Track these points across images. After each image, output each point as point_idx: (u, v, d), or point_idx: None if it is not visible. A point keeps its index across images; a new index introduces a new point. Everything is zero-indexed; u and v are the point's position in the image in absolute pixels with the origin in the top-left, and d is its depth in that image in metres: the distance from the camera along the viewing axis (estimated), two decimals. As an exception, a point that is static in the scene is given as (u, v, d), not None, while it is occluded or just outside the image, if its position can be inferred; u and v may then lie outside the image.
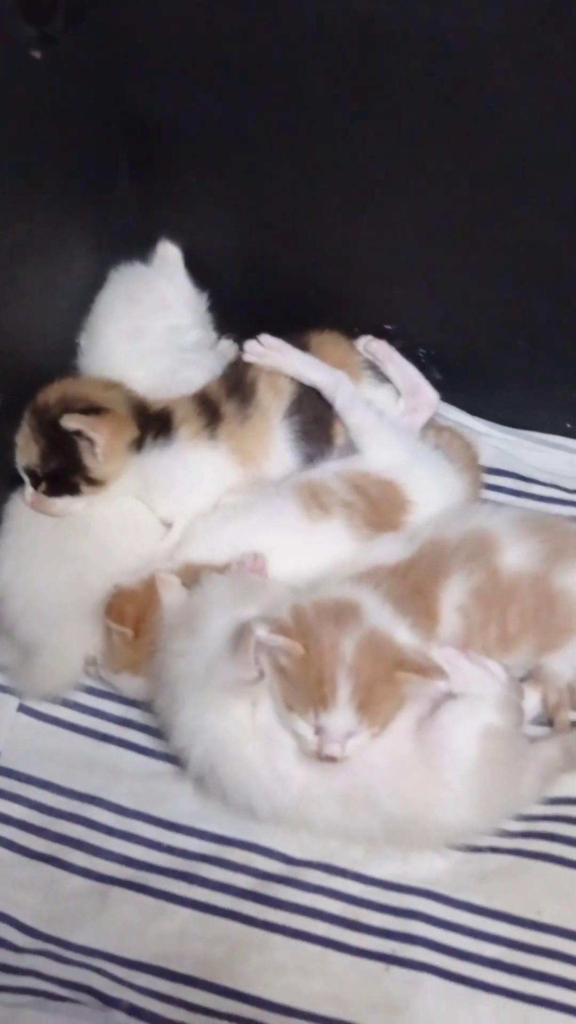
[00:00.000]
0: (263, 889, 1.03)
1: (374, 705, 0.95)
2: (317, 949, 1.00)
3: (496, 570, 1.06)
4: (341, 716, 0.95)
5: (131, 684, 1.10)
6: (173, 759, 1.09)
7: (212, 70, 1.08)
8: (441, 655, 1.03)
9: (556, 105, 0.99)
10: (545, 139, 1.02)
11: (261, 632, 0.95)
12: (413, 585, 1.05)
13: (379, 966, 0.98)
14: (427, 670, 0.97)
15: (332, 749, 0.95)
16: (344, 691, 0.95)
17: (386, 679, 0.96)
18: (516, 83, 0.99)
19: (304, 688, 0.96)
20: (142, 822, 1.08)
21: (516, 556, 1.07)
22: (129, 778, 1.11)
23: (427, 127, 1.05)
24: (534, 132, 1.02)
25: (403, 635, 1.00)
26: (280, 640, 0.96)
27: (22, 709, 1.16)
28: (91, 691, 1.16)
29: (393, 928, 1.00)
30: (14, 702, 1.15)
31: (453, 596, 1.06)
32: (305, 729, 0.97)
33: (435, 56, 0.99)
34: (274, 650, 0.97)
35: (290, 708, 0.97)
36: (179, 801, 1.08)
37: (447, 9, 0.95)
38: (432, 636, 1.03)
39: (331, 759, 0.95)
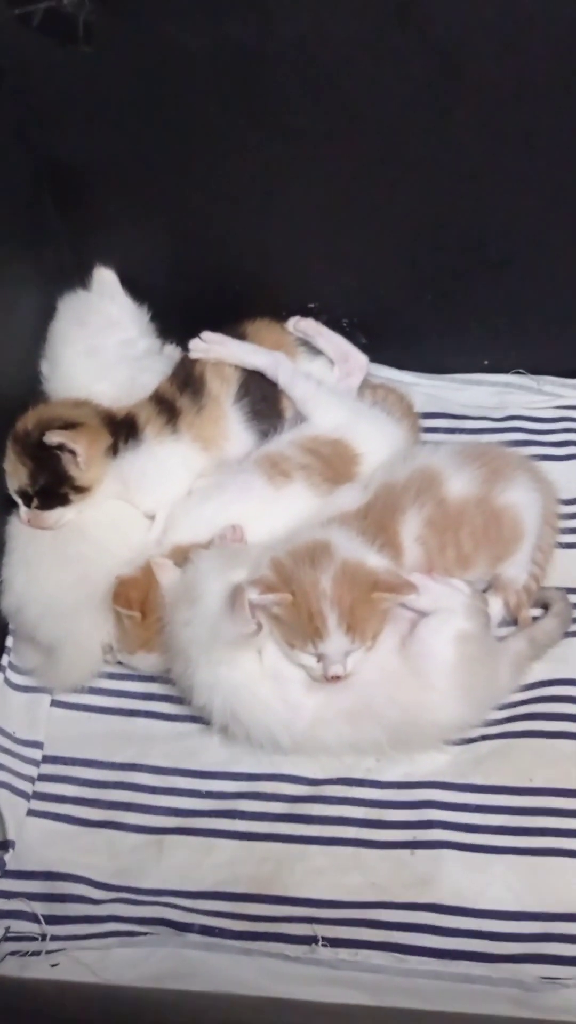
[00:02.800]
0: (295, 810, 1.17)
1: (361, 624, 1.09)
2: (350, 850, 1.14)
3: (443, 499, 1.19)
4: (335, 641, 1.09)
5: (148, 661, 1.22)
6: (197, 719, 1.22)
7: (115, 110, 1.19)
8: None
9: (413, 87, 1.13)
10: (409, 119, 1.16)
11: (253, 595, 1.08)
12: (375, 524, 1.18)
13: (405, 852, 1.13)
14: (399, 587, 1.11)
15: (335, 669, 1.09)
16: (332, 620, 1.08)
17: (365, 601, 1.09)
18: (376, 74, 1.12)
19: (299, 627, 1.09)
20: (180, 776, 1.20)
21: (459, 484, 1.20)
22: (161, 742, 1.23)
23: (310, 125, 1.18)
24: (399, 115, 1.16)
25: (374, 560, 1.13)
26: (269, 597, 1.09)
27: (54, 703, 1.26)
28: (112, 676, 1.27)
29: (411, 819, 1.15)
30: (46, 699, 1.26)
31: (410, 529, 1.19)
32: (309, 660, 1.11)
33: (305, 64, 1.12)
34: (267, 604, 1.10)
35: (292, 646, 1.11)
36: (209, 753, 1.21)
37: (308, 25, 1.08)
38: (398, 566, 1.17)
39: (336, 678, 1.09)
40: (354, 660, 1.11)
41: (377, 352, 1.43)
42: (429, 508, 1.19)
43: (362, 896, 1.11)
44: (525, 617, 1.25)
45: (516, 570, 1.24)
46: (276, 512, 1.25)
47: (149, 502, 1.29)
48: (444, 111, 1.14)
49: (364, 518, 1.19)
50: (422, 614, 1.17)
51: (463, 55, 1.09)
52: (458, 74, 1.10)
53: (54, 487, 1.24)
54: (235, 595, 1.09)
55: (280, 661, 1.14)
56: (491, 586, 1.26)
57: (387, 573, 1.12)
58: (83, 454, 1.22)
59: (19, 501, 1.25)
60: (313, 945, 1.08)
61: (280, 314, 1.39)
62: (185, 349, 1.34)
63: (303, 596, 1.09)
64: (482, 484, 1.21)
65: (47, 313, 1.36)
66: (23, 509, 1.25)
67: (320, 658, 1.10)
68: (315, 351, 1.39)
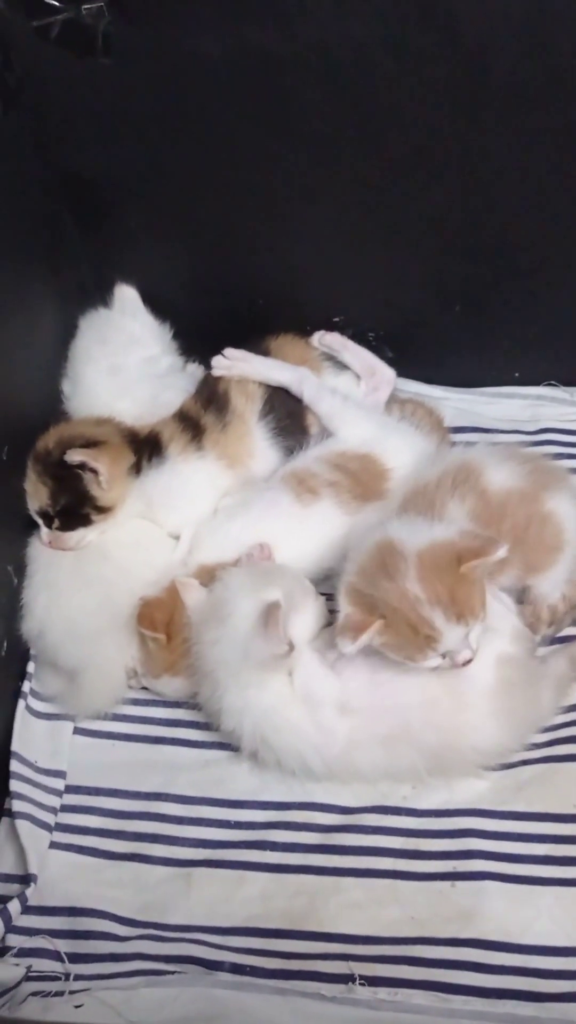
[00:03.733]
0: (328, 840, 1.12)
1: (468, 605, 1.02)
2: (387, 882, 1.09)
3: (485, 491, 1.14)
4: (452, 634, 1.02)
5: (173, 685, 1.19)
6: (225, 745, 1.18)
7: (135, 122, 1.18)
8: None
9: (439, 90, 1.10)
10: (435, 123, 1.13)
11: (348, 648, 1.02)
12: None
13: (445, 884, 1.08)
14: (485, 548, 1.02)
15: (465, 656, 1.03)
16: (439, 619, 1.01)
17: (459, 580, 1.02)
18: (400, 78, 1.10)
19: (409, 642, 1.02)
20: (208, 806, 1.16)
21: (500, 476, 1.15)
22: (187, 771, 1.18)
23: (333, 133, 1.16)
24: (424, 119, 1.13)
25: (442, 531, 1.06)
26: (364, 637, 1.01)
27: (77, 731, 1.23)
28: (136, 702, 1.24)
29: (451, 848, 1.10)
30: (69, 726, 1.22)
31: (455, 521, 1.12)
32: (435, 662, 1.04)
33: (328, 70, 1.10)
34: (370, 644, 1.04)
35: (413, 660, 1.04)
36: (237, 781, 1.17)
37: (329, 28, 1.06)
38: None
39: (468, 662, 1.03)
40: (476, 636, 1.04)
41: (404, 366, 1.40)
42: (471, 500, 1.13)
43: (401, 931, 1.06)
44: (544, 634, 1.20)
45: (549, 586, 1.19)
46: (304, 530, 1.22)
47: (174, 521, 1.27)
48: (471, 114, 1.12)
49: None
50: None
51: (490, 55, 1.06)
52: (485, 75, 1.08)
53: (75, 507, 1.21)
54: (268, 613, 1.06)
55: (311, 682, 1.09)
56: (521, 600, 1.21)
57: (464, 536, 1.05)
58: (105, 473, 1.20)
59: (40, 522, 1.23)
60: (350, 984, 1.02)
61: (304, 329, 1.37)
62: (208, 367, 1.31)
63: (398, 614, 1.02)
64: (529, 481, 1.16)
65: (68, 332, 1.35)
66: (44, 530, 1.23)
67: (446, 655, 1.04)
68: (341, 366, 1.37)
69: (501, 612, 1.14)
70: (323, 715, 1.09)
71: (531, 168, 1.17)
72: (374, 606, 1.03)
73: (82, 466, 1.19)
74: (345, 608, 1.06)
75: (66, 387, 1.33)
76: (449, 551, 1.03)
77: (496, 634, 1.12)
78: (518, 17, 1.02)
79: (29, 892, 1.10)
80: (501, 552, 1.03)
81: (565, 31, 1.04)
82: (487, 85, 1.09)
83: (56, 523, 1.22)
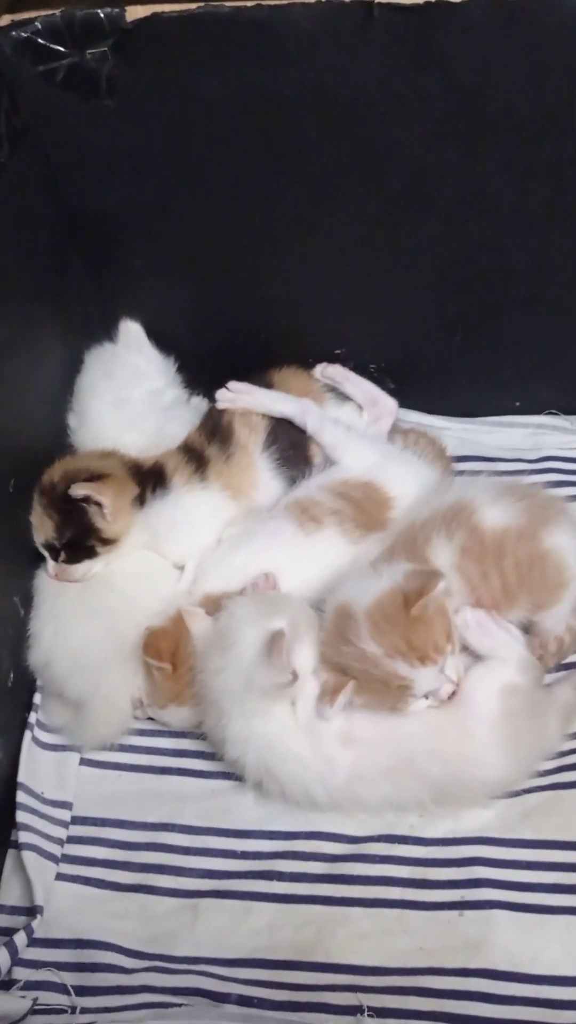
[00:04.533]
0: (335, 870, 1.12)
1: (427, 645, 1.05)
2: (395, 912, 1.09)
3: (476, 527, 1.14)
4: (422, 678, 1.05)
5: (178, 715, 1.19)
6: (230, 775, 1.18)
7: (139, 162, 1.20)
8: (472, 617, 1.13)
9: (435, 126, 1.12)
10: (432, 158, 1.15)
11: (328, 713, 1.05)
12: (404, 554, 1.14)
13: (453, 913, 1.07)
14: (426, 585, 1.05)
15: (446, 691, 1.07)
16: (404, 668, 1.04)
17: (411, 624, 1.04)
18: (397, 115, 1.12)
19: (388, 694, 1.06)
20: (214, 836, 1.16)
21: (495, 514, 1.16)
22: (194, 801, 1.18)
23: (332, 170, 1.18)
24: (422, 154, 1.15)
25: (386, 581, 1.08)
26: (343, 698, 1.05)
27: (84, 762, 1.22)
28: (142, 732, 1.24)
29: (458, 877, 1.09)
30: (75, 758, 1.22)
31: (442, 557, 1.14)
32: (422, 704, 1.07)
33: (326, 109, 1.12)
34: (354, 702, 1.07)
35: (398, 709, 1.07)
36: (244, 810, 1.17)
37: (327, 68, 1.08)
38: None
39: (452, 694, 1.06)
40: (453, 665, 1.07)
41: (406, 397, 1.41)
42: (461, 536, 1.15)
43: (409, 962, 1.05)
44: (549, 665, 1.20)
45: (555, 622, 1.19)
46: (308, 559, 1.22)
47: (178, 552, 1.27)
48: (467, 149, 1.14)
49: (389, 553, 1.16)
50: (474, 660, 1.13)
51: (485, 92, 1.08)
52: (481, 111, 1.10)
53: (81, 540, 1.22)
54: (273, 642, 1.06)
55: (315, 714, 1.09)
56: (528, 631, 1.21)
57: (408, 578, 1.07)
58: (109, 505, 1.21)
59: (46, 554, 1.24)
60: (359, 1016, 1.02)
61: (307, 361, 1.38)
62: (212, 401, 1.33)
63: (363, 673, 1.05)
64: (526, 519, 1.16)
65: (74, 366, 1.37)
66: (50, 563, 1.24)
67: (429, 694, 1.06)
68: (343, 397, 1.38)
69: (507, 642, 1.14)
70: (325, 745, 1.09)
71: (526, 201, 1.19)
72: (344, 669, 1.07)
73: (87, 499, 1.20)
74: (321, 674, 1.09)
75: (72, 421, 1.35)
76: (395, 599, 1.06)
77: (503, 664, 1.13)
78: (511, 55, 1.05)
79: (35, 924, 1.09)
80: (442, 584, 1.06)
81: (557, 68, 1.06)
82: (482, 121, 1.11)
83: (62, 556, 1.22)
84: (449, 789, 1.09)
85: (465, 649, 1.13)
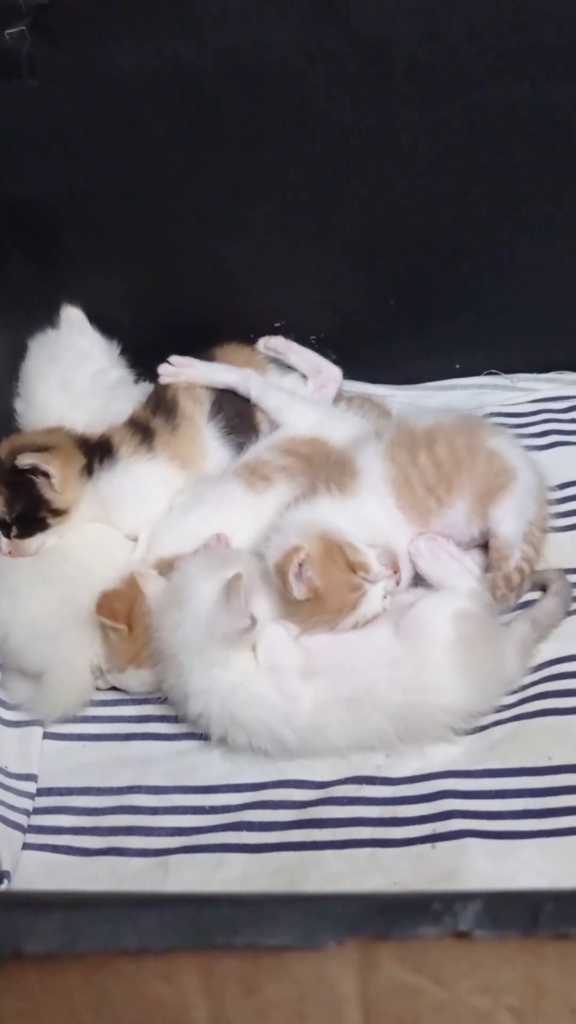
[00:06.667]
0: (305, 815, 1.10)
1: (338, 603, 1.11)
2: (367, 851, 1.07)
3: (405, 425, 1.21)
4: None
5: (138, 678, 1.18)
6: (195, 736, 1.17)
7: (67, 142, 1.23)
8: (425, 545, 1.15)
9: (347, 84, 1.16)
10: (348, 118, 1.19)
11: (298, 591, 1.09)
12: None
13: (425, 847, 1.06)
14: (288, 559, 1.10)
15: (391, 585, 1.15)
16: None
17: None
18: (311, 76, 1.15)
19: (336, 613, 1.11)
20: (182, 794, 1.14)
21: (426, 419, 1.21)
22: (160, 763, 1.17)
23: (253, 136, 1.22)
24: (338, 115, 1.18)
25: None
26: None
27: (47, 736, 1.21)
28: (105, 703, 1.23)
29: (428, 812, 1.09)
30: (39, 732, 1.21)
31: (371, 454, 1.19)
32: (380, 594, 1.13)
33: (243, 74, 1.16)
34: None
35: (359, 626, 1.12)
36: (210, 767, 1.16)
37: (241, 33, 1.13)
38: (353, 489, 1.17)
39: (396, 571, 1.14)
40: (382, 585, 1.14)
41: (348, 368, 1.43)
42: (390, 434, 1.20)
43: (383, 896, 1.04)
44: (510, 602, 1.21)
45: (511, 521, 1.18)
46: (260, 516, 1.23)
47: (130, 522, 1.28)
48: (379, 105, 1.18)
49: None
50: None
51: (390, 46, 1.13)
52: (388, 66, 1.14)
53: (31, 513, 1.23)
54: (231, 586, 1.07)
55: (274, 650, 1.10)
56: (488, 566, 1.22)
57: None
58: (57, 475, 1.22)
59: (-1, 532, 1.24)
60: (335, 952, 1.00)
61: (248, 337, 1.41)
62: (157, 374, 1.35)
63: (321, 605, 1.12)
64: (456, 421, 1.22)
65: (19, 355, 1.38)
66: (3, 541, 1.24)
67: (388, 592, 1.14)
68: (286, 368, 1.41)
69: (458, 570, 1.16)
70: (287, 681, 1.09)
71: (440, 155, 1.22)
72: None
73: (34, 470, 1.21)
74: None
75: (19, 406, 1.36)
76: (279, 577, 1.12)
77: (453, 593, 1.14)
78: (412, 4, 1.09)
79: (2, 889, 1.07)
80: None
81: (459, 15, 1.10)
82: (390, 75, 1.15)
83: (14, 531, 1.23)
84: (412, 720, 1.09)
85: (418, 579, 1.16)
